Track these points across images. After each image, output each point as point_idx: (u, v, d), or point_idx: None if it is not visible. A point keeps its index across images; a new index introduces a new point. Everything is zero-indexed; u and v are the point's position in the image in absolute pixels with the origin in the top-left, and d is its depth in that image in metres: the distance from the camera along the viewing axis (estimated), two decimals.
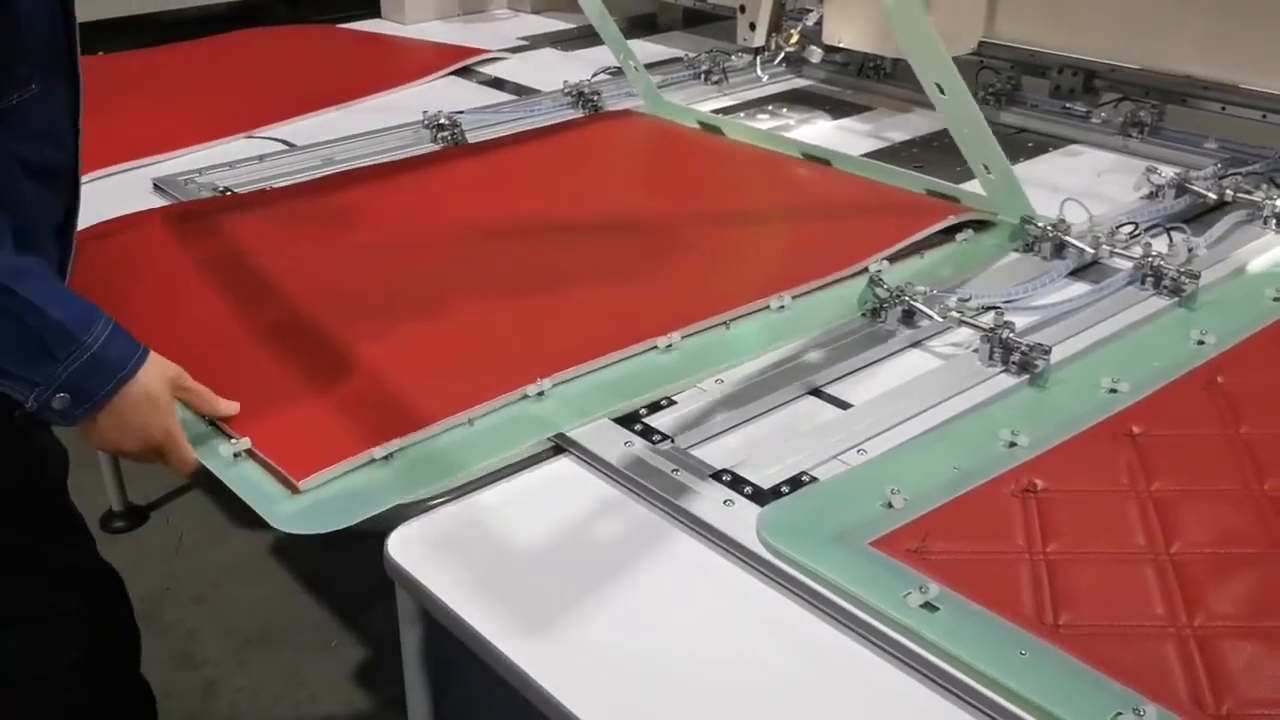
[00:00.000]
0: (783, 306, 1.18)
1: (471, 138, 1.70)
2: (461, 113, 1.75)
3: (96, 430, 0.92)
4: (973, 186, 1.43)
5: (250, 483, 0.93)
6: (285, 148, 1.69)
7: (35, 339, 0.86)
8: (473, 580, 0.85)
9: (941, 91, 1.29)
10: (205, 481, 0.98)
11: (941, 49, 1.28)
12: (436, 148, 1.67)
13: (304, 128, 1.79)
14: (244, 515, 0.90)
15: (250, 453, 0.95)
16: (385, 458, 0.94)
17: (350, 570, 2.08)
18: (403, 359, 1.09)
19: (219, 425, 0.98)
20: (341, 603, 2.06)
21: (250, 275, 1.27)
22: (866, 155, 1.67)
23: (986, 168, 1.35)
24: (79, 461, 1.22)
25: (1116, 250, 1.29)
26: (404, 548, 0.88)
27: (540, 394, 1.02)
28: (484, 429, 0.98)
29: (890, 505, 0.87)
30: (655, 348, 1.10)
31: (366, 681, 1.90)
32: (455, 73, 2.09)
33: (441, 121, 1.69)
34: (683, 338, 1.11)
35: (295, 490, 0.91)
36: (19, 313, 0.86)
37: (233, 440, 0.95)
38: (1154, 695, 0.69)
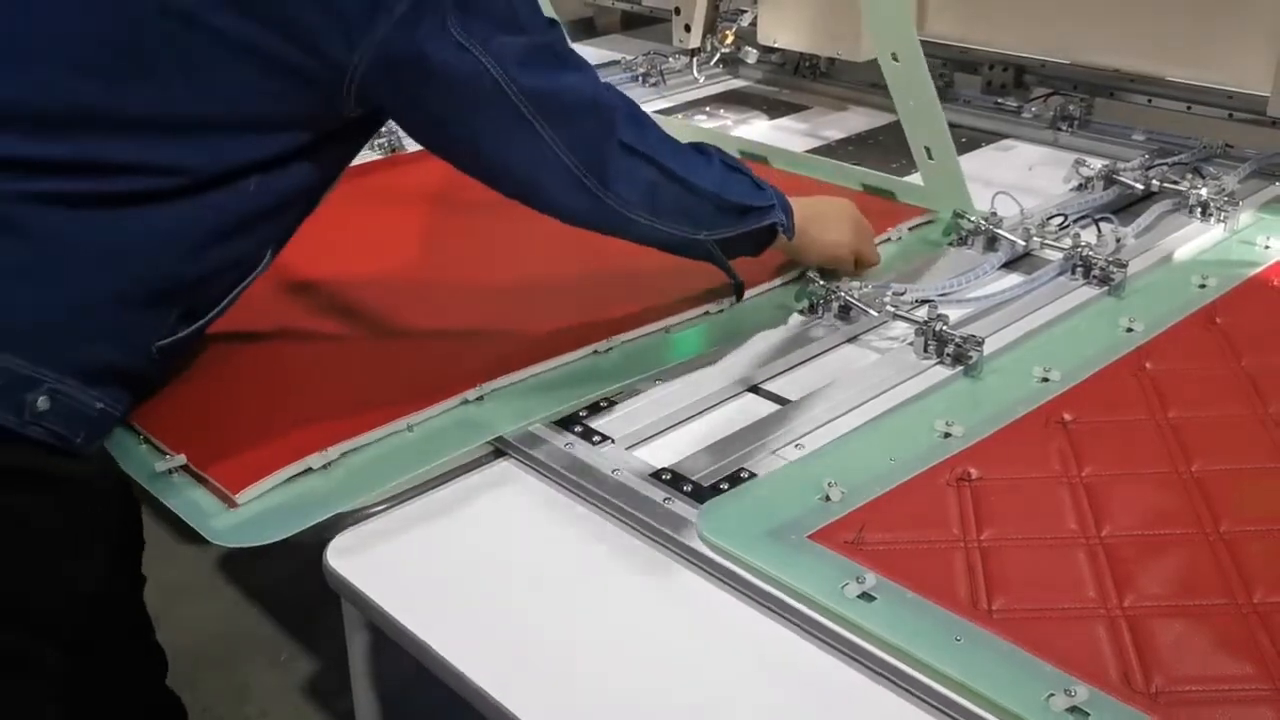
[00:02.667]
0: (720, 311, 1.19)
1: (409, 142, 1.68)
2: None
3: (810, 235, 1.19)
4: (909, 180, 1.45)
5: (186, 498, 0.91)
6: None
7: (750, 179, 1.12)
8: (414, 586, 0.85)
9: (895, 59, 1.29)
10: (147, 500, 0.97)
11: (905, 15, 1.27)
12: (375, 155, 1.66)
13: None
14: (188, 532, 0.89)
15: (185, 468, 0.94)
16: (324, 466, 0.93)
17: (301, 582, 2.05)
18: (339, 366, 1.09)
19: (153, 441, 0.97)
20: (292, 616, 2.04)
21: None
22: (803, 153, 1.69)
23: (929, 151, 1.36)
24: None
25: (1047, 242, 1.31)
26: (343, 557, 0.87)
27: (479, 398, 1.02)
28: (423, 434, 0.98)
29: (828, 498, 0.88)
30: (595, 351, 1.10)
31: (319, 695, 1.89)
32: None
33: None
34: (623, 342, 1.12)
35: (232, 504, 0.90)
36: (739, 166, 1.12)
37: (167, 456, 0.94)
38: (1085, 676, 0.71)
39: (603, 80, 1.02)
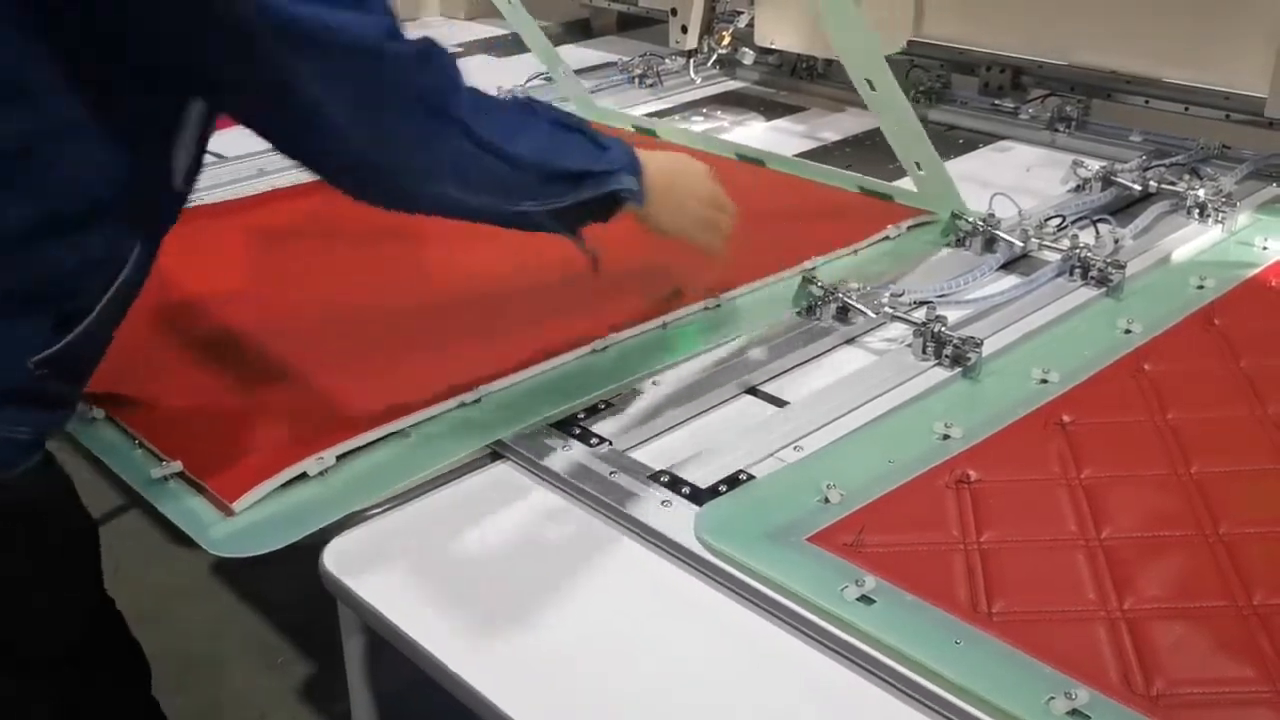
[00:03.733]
0: (718, 305, 1.19)
1: None
2: None
3: (659, 208, 1.04)
4: (905, 183, 1.45)
5: (183, 506, 0.91)
6: (216, 159, 1.66)
7: (589, 139, 0.99)
8: (411, 591, 0.84)
9: (872, 88, 1.31)
10: (140, 502, 0.96)
11: (873, 46, 1.30)
12: None
13: (235, 138, 1.76)
14: (184, 535, 0.89)
15: (182, 475, 0.93)
16: (321, 473, 0.93)
17: (297, 585, 2.05)
18: (337, 372, 1.08)
19: (149, 448, 0.96)
20: (289, 619, 2.03)
21: (181, 290, 1.25)
22: (800, 155, 1.69)
23: (917, 164, 1.37)
24: None
25: (1045, 243, 1.31)
26: (340, 560, 0.87)
27: (477, 400, 1.02)
28: (421, 438, 0.98)
29: (827, 500, 0.88)
30: (592, 350, 1.10)
31: (315, 698, 1.88)
32: None
33: None
34: (620, 339, 1.11)
35: (229, 512, 0.89)
36: (576, 124, 0.99)
37: (163, 463, 0.93)
38: (1086, 678, 0.71)
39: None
